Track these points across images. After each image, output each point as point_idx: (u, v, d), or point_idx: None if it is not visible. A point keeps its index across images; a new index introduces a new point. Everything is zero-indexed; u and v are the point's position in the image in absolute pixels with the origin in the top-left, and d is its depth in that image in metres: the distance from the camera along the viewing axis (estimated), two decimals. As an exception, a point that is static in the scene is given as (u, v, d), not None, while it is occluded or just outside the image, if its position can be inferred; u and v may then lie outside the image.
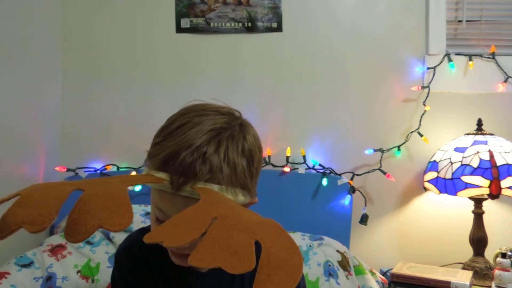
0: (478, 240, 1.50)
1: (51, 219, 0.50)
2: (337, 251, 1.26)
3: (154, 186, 0.67)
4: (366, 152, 1.62)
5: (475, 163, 1.42)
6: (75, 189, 0.54)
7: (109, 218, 0.51)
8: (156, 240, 0.49)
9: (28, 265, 1.01)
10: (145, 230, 0.85)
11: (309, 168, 1.58)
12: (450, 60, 1.65)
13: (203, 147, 0.65)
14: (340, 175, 1.58)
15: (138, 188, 1.49)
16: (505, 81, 1.66)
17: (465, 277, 1.36)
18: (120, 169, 1.54)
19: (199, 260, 0.46)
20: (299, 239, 1.28)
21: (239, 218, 0.53)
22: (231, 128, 0.69)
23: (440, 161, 1.52)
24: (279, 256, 0.48)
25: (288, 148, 1.58)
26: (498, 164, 1.40)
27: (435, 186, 1.51)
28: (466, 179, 1.41)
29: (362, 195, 1.59)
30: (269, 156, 1.54)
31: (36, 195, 0.52)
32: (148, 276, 0.79)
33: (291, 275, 0.47)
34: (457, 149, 1.49)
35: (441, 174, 1.48)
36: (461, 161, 1.45)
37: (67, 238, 0.50)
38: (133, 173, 1.51)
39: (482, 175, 1.39)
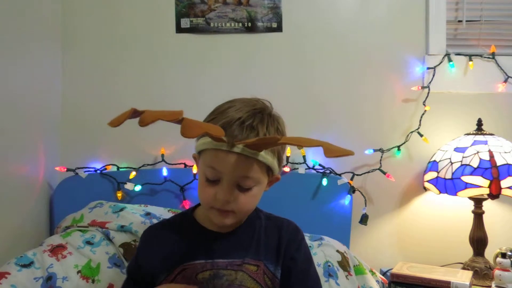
0: (478, 240, 1.50)
1: (179, 117, 0.72)
2: (337, 251, 1.25)
3: (213, 147, 0.83)
4: (366, 152, 1.62)
5: (475, 163, 1.42)
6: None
7: (210, 130, 0.74)
8: (251, 141, 0.79)
9: (28, 265, 1.01)
10: (164, 221, 1.01)
11: (309, 168, 1.58)
12: (450, 60, 1.65)
13: (250, 119, 0.84)
14: (340, 175, 1.58)
15: (138, 188, 1.49)
16: (505, 81, 1.66)
17: (465, 277, 1.36)
18: (120, 169, 1.54)
19: (286, 141, 0.77)
20: (299, 239, 1.28)
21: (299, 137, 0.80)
22: (268, 111, 0.90)
23: (440, 161, 1.52)
24: (333, 147, 0.76)
25: (288, 148, 1.58)
26: (498, 164, 1.40)
27: (435, 186, 1.51)
28: (466, 179, 1.41)
29: (362, 195, 1.59)
30: (269, 156, 1.54)
31: (159, 110, 0.75)
32: (166, 247, 0.91)
33: (342, 152, 0.75)
34: (457, 149, 1.49)
35: (441, 174, 1.48)
36: (461, 161, 1.45)
37: (182, 134, 0.70)
38: (133, 173, 1.51)
39: (482, 175, 1.40)
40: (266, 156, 0.84)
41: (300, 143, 0.76)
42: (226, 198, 0.83)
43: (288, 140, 0.77)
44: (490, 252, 1.49)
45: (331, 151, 0.74)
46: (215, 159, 0.83)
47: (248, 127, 0.83)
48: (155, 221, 1.21)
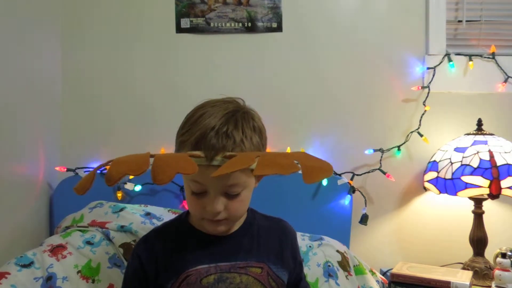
0: (478, 240, 1.50)
1: (146, 168, 0.71)
2: (337, 251, 1.25)
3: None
4: (366, 152, 1.62)
5: (475, 163, 1.42)
6: (150, 156, 0.75)
7: (182, 168, 0.72)
8: (224, 171, 0.73)
9: (28, 265, 1.01)
10: (157, 229, 0.98)
11: (309, 168, 1.58)
12: (450, 60, 1.65)
13: (224, 126, 0.81)
14: (340, 175, 1.58)
15: (138, 188, 1.49)
16: (505, 81, 1.66)
17: (465, 277, 1.36)
18: (120, 169, 1.53)
19: (261, 170, 0.73)
20: (299, 239, 1.27)
21: (275, 153, 0.80)
22: (241, 110, 0.87)
23: (440, 161, 1.52)
24: (314, 166, 0.73)
25: (288, 148, 1.58)
26: (498, 164, 1.40)
27: (435, 186, 1.51)
28: (466, 179, 1.41)
29: (362, 195, 1.59)
30: (269, 156, 1.54)
31: (125, 159, 0.73)
32: (167, 256, 0.90)
33: (325, 171, 0.74)
34: (457, 149, 1.49)
35: (441, 174, 1.48)
36: (461, 161, 1.45)
37: (154, 181, 0.70)
38: (133, 173, 1.51)
39: (482, 175, 1.40)
40: None
41: (277, 171, 0.72)
42: (216, 209, 0.83)
43: (264, 170, 0.73)
44: (490, 252, 1.49)
45: (310, 176, 0.71)
46: (197, 174, 0.80)
47: (223, 136, 0.80)
48: (155, 221, 1.21)
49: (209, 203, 0.83)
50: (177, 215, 1.01)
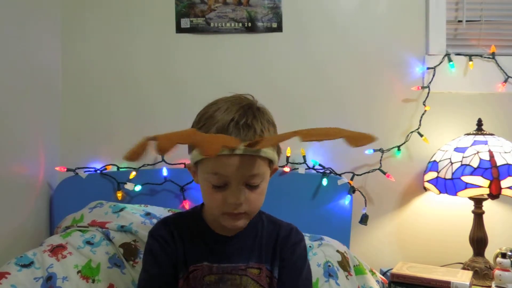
0: (478, 240, 1.50)
1: (194, 139, 0.76)
2: (337, 251, 1.25)
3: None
4: (366, 152, 1.62)
5: (475, 163, 1.42)
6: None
7: (226, 142, 0.77)
8: (264, 146, 0.80)
9: (28, 265, 1.01)
10: (172, 216, 0.99)
11: (309, 168, 1.58)
12: (450, 60, 1.65)
13: (243, 118, 0.82)
14: (340, 175, 1.58)
15: (138, 188, 1.49)
16: (505, 81, 1.66)
17: (465, 277, 1.36)
18: (120, 169, 1.54)
19: (306, 137, 0.78)
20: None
21: (311, 128, 0.79)
22: (255, 105, 0.89)
23: (440, 161, 1.52)
24: (352, 135, 0.81)
25: (288, 148, 1.58)
26: (498, 164, 1.40)
27: (435, 186, 1.51)
28: (466, 179, 1.41)
29: (362, 195, 1.59)
30: (269, 156, 1.54)
31: (171, 133, 0.75)
32: (182, 245, 0.91)
33: (366, 138, 0.82)
34: (457, 149, 1.49)
35: (441, 174, 1.48)
36: (461, 161, 1.45)
37: (203, 153, 0.76)
38: (133, 173, 1.51)
39: (482, 175, 1.40)
40: (267, 151, 0.84)
41: (320, 137, 0.78)
42: (238, 200, 0.83)
43: (309, 137, 0.78)
44: (490, 252, 1.49)
45: (356, 141, 0.78)
46: (218, 165, 0.81)
47: (244, 126, 0.82)
48: (155, 221, 1.21)
49: (231, 195, 0.83)
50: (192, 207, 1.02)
